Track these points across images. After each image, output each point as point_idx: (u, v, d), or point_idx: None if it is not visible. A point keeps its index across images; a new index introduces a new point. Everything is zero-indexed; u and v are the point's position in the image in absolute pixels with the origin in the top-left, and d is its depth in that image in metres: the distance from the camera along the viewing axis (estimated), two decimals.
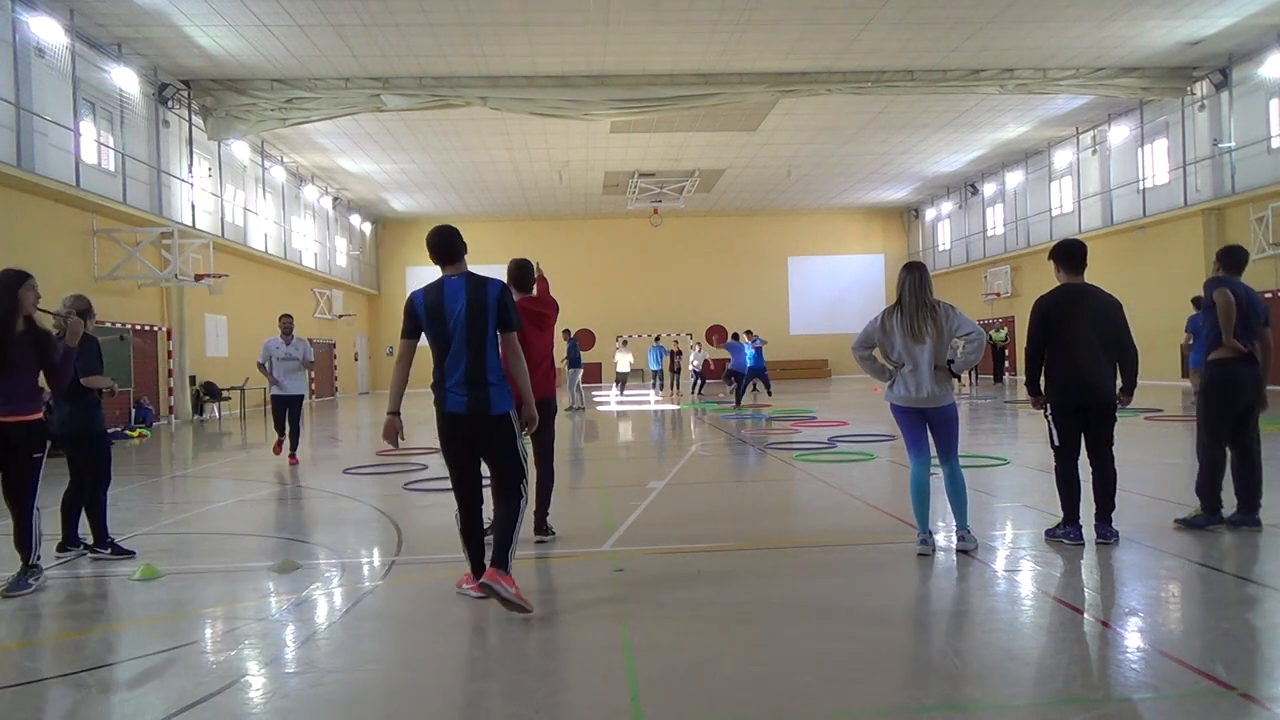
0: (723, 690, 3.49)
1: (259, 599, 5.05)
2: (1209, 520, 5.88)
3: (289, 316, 11.92)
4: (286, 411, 11.52)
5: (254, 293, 24.96)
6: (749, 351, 21.35)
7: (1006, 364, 32.29)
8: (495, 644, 4.23)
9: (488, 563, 4.58)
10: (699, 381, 26.70)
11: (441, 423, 4.69)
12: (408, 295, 4.85)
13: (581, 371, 21.98)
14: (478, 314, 4.63)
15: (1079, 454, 5.78)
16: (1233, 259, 6.20)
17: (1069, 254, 5.87)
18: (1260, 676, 3.55)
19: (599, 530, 6.70)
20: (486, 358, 4.64)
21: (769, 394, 23.40)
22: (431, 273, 4.92)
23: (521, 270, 6.41)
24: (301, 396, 11.75)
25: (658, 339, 35.80)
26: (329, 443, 15.47)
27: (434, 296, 4.69)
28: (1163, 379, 22.92)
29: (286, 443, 11.52)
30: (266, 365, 11.55)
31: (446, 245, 4.83)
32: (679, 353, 31.95)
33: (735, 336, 24.99)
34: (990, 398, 21.65)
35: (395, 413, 4.68)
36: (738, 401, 21.25)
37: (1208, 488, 5.93)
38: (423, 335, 4.73)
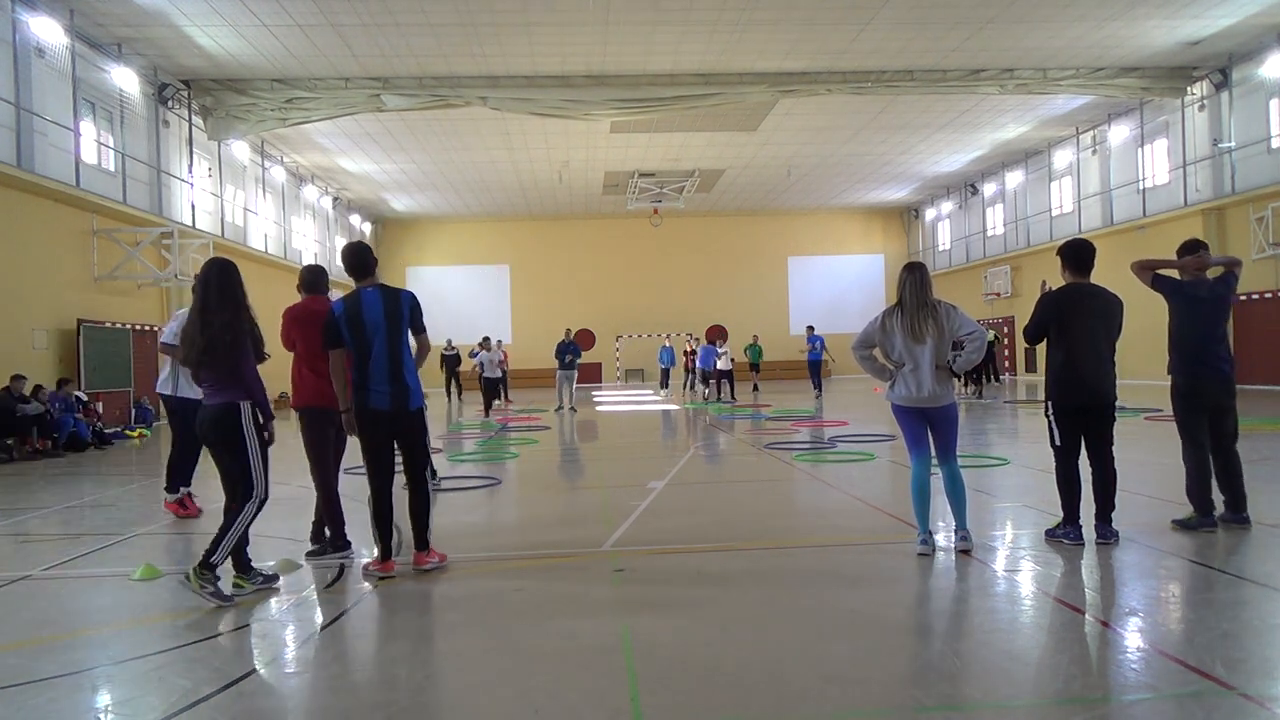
0: (723, 690, 3.49)
1: (259, 599, 5.05)
2: (1202, 523, 5.87)
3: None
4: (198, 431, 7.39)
5: (254, 293, 24.59)
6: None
7: (1007, 363, 32.27)
8: (495, 644, 4.22)
9: (401, 549, 5.53)
10: (724, 384, 24.01)
11: (364, 416, 5.31)
12: (330, 306, 5.41)
13: (575, 372, 21.30)
14: (395, 320, 5.29)
15: (1079, 454, 5.78)
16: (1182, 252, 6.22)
17: (1076, 255, 5.89)
18: (1260, 676, 3.55)
19: (599, 530, 6.70)
20: (404, 359, 5.32)
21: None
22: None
23: (314, 273, 6.36)
24: None
25: (677, 336, 35.77)
26: None
27: (352, 307, 5.28)
28: (1162, 379, 22.88)
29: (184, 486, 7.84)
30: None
31: (360, 261, 5.45)
32: (692, 352, 31.90)
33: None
34: (993, 398, 21.65)
35: (349, 409, 5.38)
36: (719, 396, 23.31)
37: (1196, 489, 5.93)
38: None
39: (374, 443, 5.36)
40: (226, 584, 5.12)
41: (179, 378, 7.46)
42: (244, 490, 5.01)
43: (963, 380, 22.42)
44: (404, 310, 5.32)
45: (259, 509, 5.05)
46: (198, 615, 4.87)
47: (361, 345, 5.24)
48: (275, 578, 5.27)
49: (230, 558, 5.06)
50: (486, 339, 22.42)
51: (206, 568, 4.82)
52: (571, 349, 20.81)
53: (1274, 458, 9.06)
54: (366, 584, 5.37)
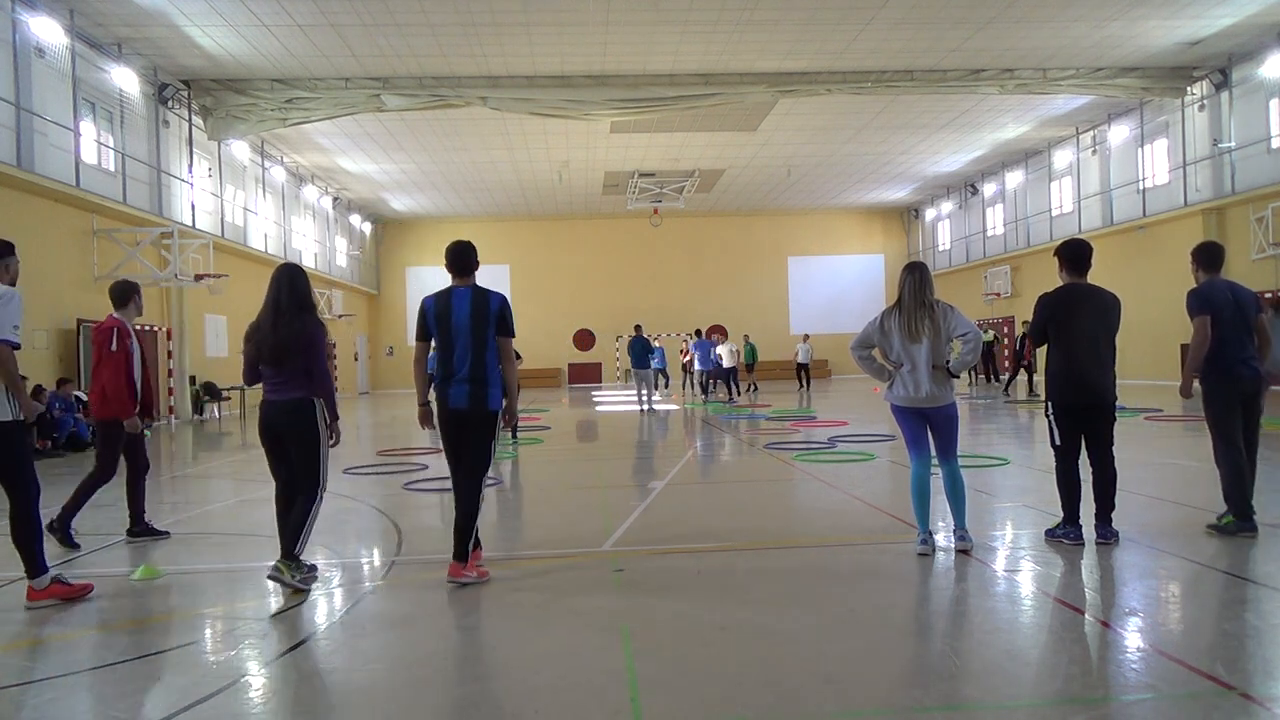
0: (723, 690, 3.49)
1: (259, 599, 5.05)
2: (1241, 527, 5.71)
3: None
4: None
5: (254, 293, 24.75)
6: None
7: (1006, 364, 32.25)
8: (495, 644, 4.23)
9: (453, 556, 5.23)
10: (713, 382, 24.31)
11: (443, 416, 5.32)
12: (421, 301, 5.51)
13: (648, 371, 19.95)
14: (481, 321, 5.30)
15: (1079, 454, 5.78)
16: (1210, 257, 6.14)
17: (1073, 255, 5.87)
18: (1260, 676, 3.55)
19: (599, 530, 6.70)
20: (486, 360, 5.30)
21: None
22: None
23: (123, 290, 6.93)
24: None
25: (669, 337, 35.77)
26: None
27: (443, 304, 5.38)
28: (1162, 379, 22.92)
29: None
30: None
31: (464, 259, 5.51)
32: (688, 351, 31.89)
33: (699, 333, 25.91)
34: (988, 398, 21.66)
35: (425, 404, 5.52)
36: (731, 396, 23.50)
37: (1235, 492, 5.76)
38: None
39: (453, 443, 5.35)
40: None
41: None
42: (310, 483, 5.17)
43: (984, 378, 22.30)
44: (490, 312, 5.32)
45: (322, 499, 5.27)
46: (198, 615, 4.87)
47: (446, 342, 5.31)
48: (313, 569, 5.27)
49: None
50: None
51: (292, 558, 5.04)
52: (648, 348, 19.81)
53: (1274, 458, 9.05)
54: (367, 584, 5.38)
